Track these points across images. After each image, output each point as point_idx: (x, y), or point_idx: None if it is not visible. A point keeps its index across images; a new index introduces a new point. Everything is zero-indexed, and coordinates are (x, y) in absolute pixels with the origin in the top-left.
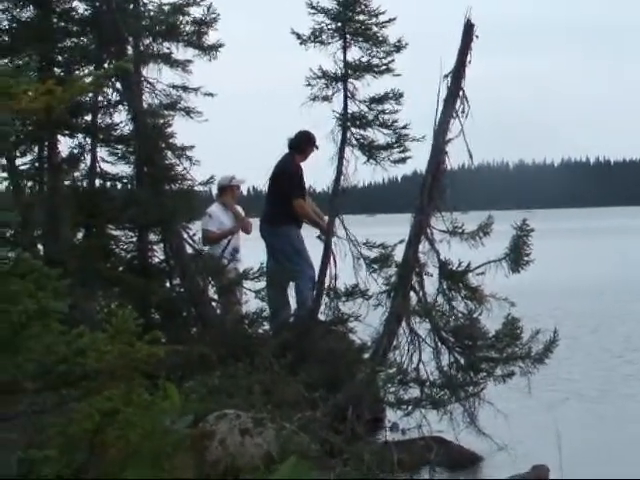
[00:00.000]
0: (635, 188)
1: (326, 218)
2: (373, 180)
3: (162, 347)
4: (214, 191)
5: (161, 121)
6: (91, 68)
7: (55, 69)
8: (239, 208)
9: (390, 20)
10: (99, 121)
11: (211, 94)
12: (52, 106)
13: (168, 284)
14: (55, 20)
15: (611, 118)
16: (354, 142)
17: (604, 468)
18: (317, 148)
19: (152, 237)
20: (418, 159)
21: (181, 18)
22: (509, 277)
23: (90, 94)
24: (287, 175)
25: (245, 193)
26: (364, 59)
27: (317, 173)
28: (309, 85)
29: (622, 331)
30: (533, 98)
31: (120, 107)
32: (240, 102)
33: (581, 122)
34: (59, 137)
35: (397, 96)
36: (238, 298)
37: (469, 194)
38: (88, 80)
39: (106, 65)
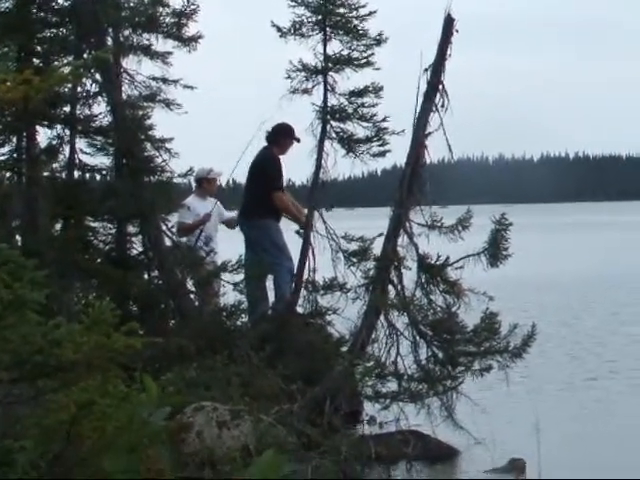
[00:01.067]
0: (614, 183)
1: (305, 211)
2: (352, 174)
3: (139, 339)
4: (193, 183)
5: (140, 113)
6: (70, 59)
7: (34, 60)
8: (219, 204)
9: (371, 13)
10: (78, 112)
11: (191, 87)
12: (30, 96)
13: (146, 276)
14: (34, 10)
15: (591, 113)
16: (333, 135)
17: (582, 461)
18: (298, 141)
19: (131, 229)
20: (398, 153)
21: (161, 9)
22: (487, 271)
23: (69, 85)
24: (265, 168)
25: (224, 185)
26: (344, 52)
27: (296, 166)
28: (289, 78)
29: (597, 323)
30: (513, 93)
31: (99, 98)
32: (220, 94)
33: (561, 117)
34: (37, 128)
35: (377, 90)
36: (216, 290)
37: (448, 188)
38: (67, 70)
39: (85, 56)
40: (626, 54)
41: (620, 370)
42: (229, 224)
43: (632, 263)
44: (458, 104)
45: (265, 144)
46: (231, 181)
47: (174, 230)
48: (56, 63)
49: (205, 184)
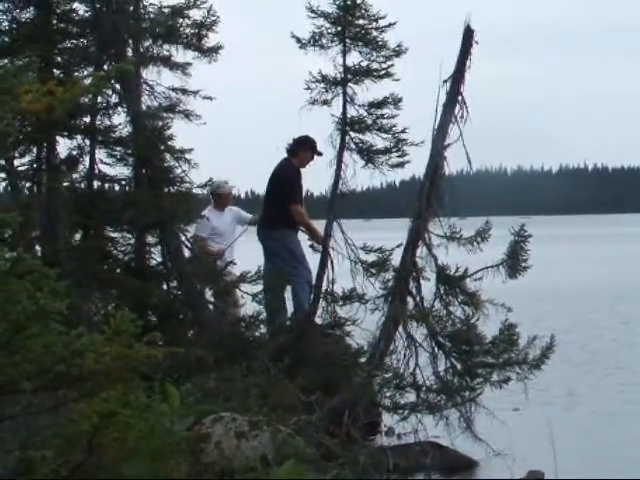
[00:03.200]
0: (633, 195)
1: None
2: (371, 185)
3: (160, 349)
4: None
5: (160, 123)
6: (91, 70)
7: (55, 70)
8: (237, 210)
9: (390, 25)
10: (98, 123)
11: (210, 97)
12: (53, 107)
13: (165, 286)
14: (55, 21)
15: (610, 125)
16: (353, 146)
17: (599, 472)
18: (320, 154)
19: (150, 239)
20: (416, 164)
21: (181, 20)
22: (506, 283)
23: (89, 96)
24: (284, 180)
25: (243, 196)
26: (364, 63)
27: (315, 177)
28: (308, 89)
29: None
30: (531, 104)
31: (119, 109)
32: (240, 105)
33: (579, 129)
34: (58, 138)
35: (396, 101)
36: (235, 301)
37: (467, 199)
38: (89, 81)
39: (106, 67)
40: None
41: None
42: (251, 223)
43: None
44: (477, 115)
45: (285, 155)
46: (249, 192)
47: (192, 241)
48: (77, 74)
49: (219, 199)
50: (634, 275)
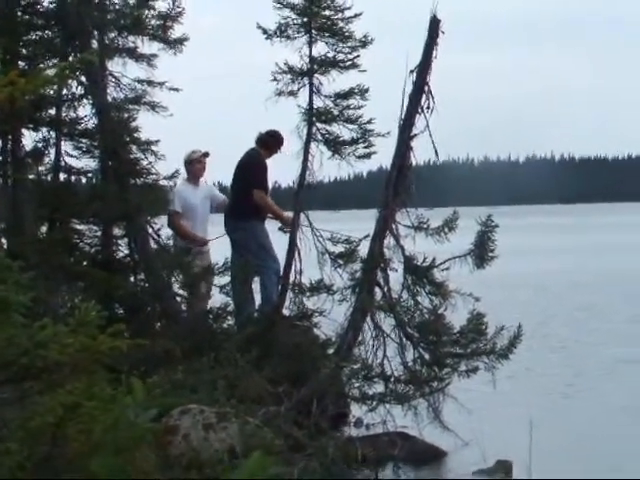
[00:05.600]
0: (600, 185)
1: (287, 213)
2: (339, 176)
3: (125, 340)
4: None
5: (126, 115)
6: (55, 61)
7: (20, 62)
8: (212, 187)
9: (356, 15)
10: (63, 115)
11: (176, 89)
12: (15, 97)
13: (132, 279)
14: (19, 13)
15: (578, 115)
16: (319, 137)
17: (571, 462)
18: (281, 152)
19: (116, 231)
20: (384, 155)
21: (146, 12)
22: (473, 273)
23: (54, 87)
24: (251, 167)
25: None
26: (330, 54)
27: (282, 168)
28: (275, 80)
29: (583, 321)
30: (499, 95)
31: (85, 101)
32: (206, 97)
33: (547, 119)
34: (23, 131)
35: (362, 92)
36: (203, 292)
37: (434, 190)
38: (52, 72)
39: (71, 58)
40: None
41: (609, 367)
42: (221, 207)
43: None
44: (444, 106)
45: (252, 146)
46: (216, 183)
47: (160, 233)
48: (42, 65)
49: (190, 167)
50: (598, 264)
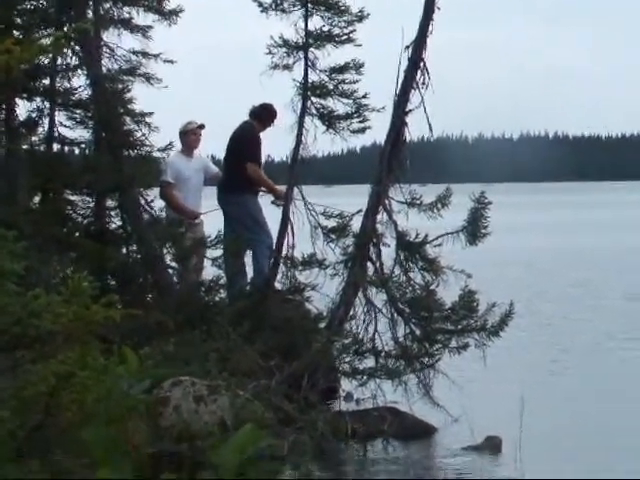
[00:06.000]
0: (594, 163)
1: (280, 187)
2: (332, 151)
3: (118, 311)
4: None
5: (120, 86)
6: (50, 31)
7: (14, 32)
8: (206, 159)
9: None
10: (58, 85)
11: (171, 61)
12: (11, 66)
13: (124, 250)
14: None
15: (573, 94)
16: (314, 111)
17: (560, 439)
18: (274, 125)
19: (109, 203)
20: (378, 130)
21: None
22: (466, 249)
23: (49, 57)
24: (245, 140)
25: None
26: (325, 28)
27: (276, 142)
28: (270, 53)
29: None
30: (492, 72)
31: (79, 71)
32: (200, 69)
33: (542, 96)
34: (17, 100)
35: (357, 66)
36: (196, 265)
37: (428, 167)
38: (47, 41)
39: (66, 28)
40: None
41: (602, 346)
42: (214, 180)
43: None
44: (439, 82)
45: (246, 119)
46: (210, 156)
47: (153, 204)
48: (36, 35)
49: (185, 138)
50: (593, 241)
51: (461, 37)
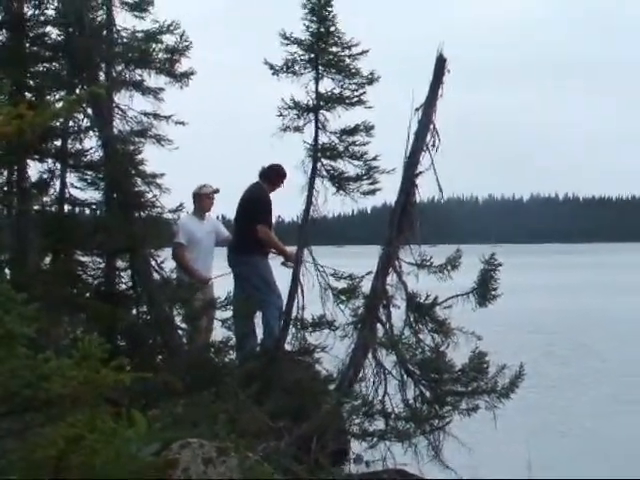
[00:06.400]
0: (604, 224)
1: (290, 249)
2: (343, 211)
3: (128, 374)
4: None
5: (131, 148)
6: (63, 93)
7: (27, 94)
8: (217, 222)
9: (363, 52)
10: (69, 146)
11: (182, 122)
12: (23, 130)
13: (135, 311)
14: (28, 44)
15: (584, 155)
16: (324, 173)
17: None
18: (283, 185)
19: (120, 264)
20: (388, 191)
21: (154, 45)
22: (476, 311)
23: (61, 119)
24: (255, 202)
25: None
26: (336, 90)
27: (287, 203)
28: (281, 115)
29: (586, 362)
30: (505, 134)
31: (91, 133)
32: (212, 131)
33: (552, 158)
34: (28, 162)
35: (368, 128)
36: (205, 326)
37: (438, 228)
38: (60, 105)
39: (78, 90)
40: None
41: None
42: (225, 242)
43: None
44: (450, 144)
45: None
46: (220, 217)
47: (163, 265)
48: (49, 97)
49: (199, 200)
50: (601, 303)
51: (470, 100)
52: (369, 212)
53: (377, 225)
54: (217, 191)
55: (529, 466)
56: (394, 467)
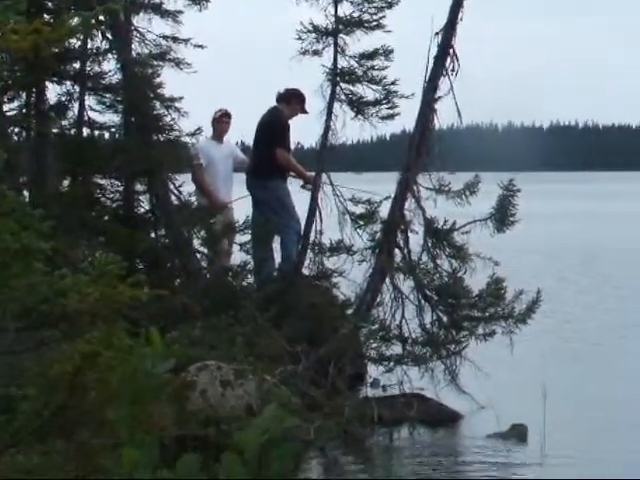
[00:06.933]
0: (622, 153)
1: (309, 173)
2: (361, 138)
3: (145, 291)
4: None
5: (150, 71)
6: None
7: (45, 15)
8: (234, 146)
9: None
10: (88, 69)
11: (201, 46)
12: (40, 46)
13: (153, 234)
14: None
15: (603, 83)
16: (343, 97)
17: (585, 427)
18: (305, 112)
19: (138, 187)
20: (407, 117)
21: None
22: (494, 236)
23: (79, 40)
24: (273, 125)
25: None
26: (355, 14)
27: (305, 129)
28: (299, 39)
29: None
30: (525, 62)
31: (109, 55)
32: (231, 54)
33: (573, 86)
34: (47, 84)
35: (387, 52)
36: (226, 249)
37: (457, 154)
38: (76, 21)
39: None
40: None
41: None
42: (242, 167)
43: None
44: (469, 70)
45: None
46: (239, 143)
47: (182, 189)
48: (66, 17)
49: (216, 125)
50: (616, 232)
51: (489, 27)
52: (388, 139)
53: (396, 152)
54: (227, 114)
55: (544, 392)
56: (411, 391)
